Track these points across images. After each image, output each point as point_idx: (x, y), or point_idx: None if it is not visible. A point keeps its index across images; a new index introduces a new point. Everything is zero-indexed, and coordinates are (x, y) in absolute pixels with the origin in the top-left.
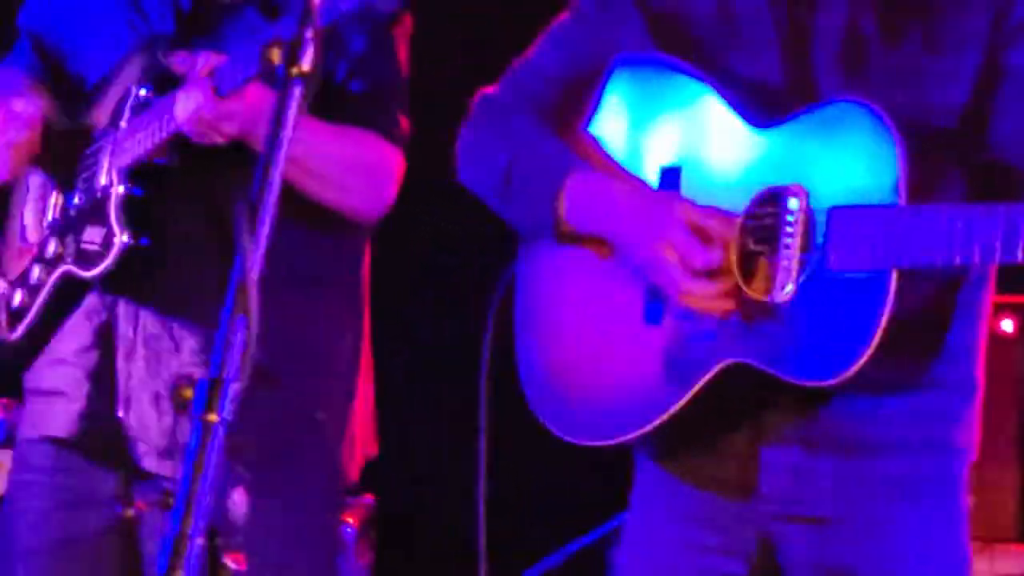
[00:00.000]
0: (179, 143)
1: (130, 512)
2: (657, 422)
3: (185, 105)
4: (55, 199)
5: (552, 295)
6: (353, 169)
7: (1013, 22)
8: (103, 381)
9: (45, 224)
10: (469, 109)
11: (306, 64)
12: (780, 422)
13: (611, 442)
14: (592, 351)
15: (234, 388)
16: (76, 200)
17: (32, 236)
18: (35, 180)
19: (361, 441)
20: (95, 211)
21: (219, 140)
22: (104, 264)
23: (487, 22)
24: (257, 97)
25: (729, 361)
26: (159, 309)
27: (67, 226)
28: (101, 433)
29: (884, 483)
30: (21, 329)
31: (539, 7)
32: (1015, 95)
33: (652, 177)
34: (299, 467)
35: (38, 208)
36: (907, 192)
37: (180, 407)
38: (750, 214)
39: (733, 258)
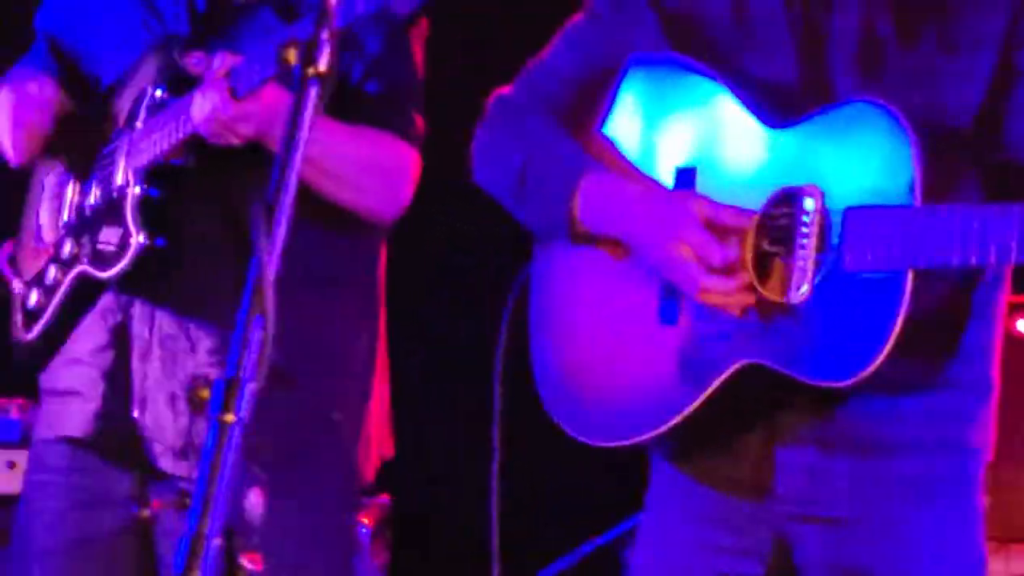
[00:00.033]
0: (195, 144)
1: (146, 512)
2: (672, 423)
3: (202, 106)
4: (70, 199)
5: (567, 295)
6: (369, 169)
7: None
8: (119, 381)
9: (61, 224)
10: (484, 110)
11: (322, 64)
12: (795, 422)
13: (626, 443)
14: (607, 351)
15: (251, 388)
16: (92, 200)
17: (48, 236)
18: (50, 180)
19: (377, 441)
20: (111, 212)
21: (235, 141)
22: (120, 265)
23: (501, 23)
24: (274, 98)
25: (744, 362)
26: (175, 309)
27: (83, 226)
28: (117, 433)
29: (899, 483)
30: (37, 329)
31: (552, 8)
32: None
33: (667, 177)
34: (315, 467)
35: (53, 208)
36: (923, 192)
37: (197, 407)
38: (765, 214)
39: (749, 254)
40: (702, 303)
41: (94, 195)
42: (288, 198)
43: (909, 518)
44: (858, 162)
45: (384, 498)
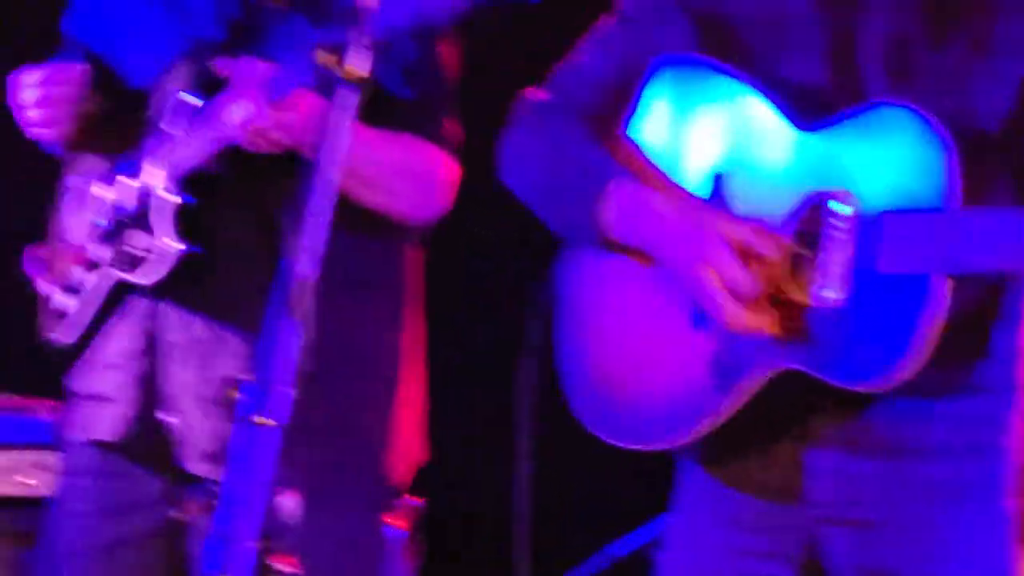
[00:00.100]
0: (230, 150)
1: (179, 515)
2: (703, 427)
3: (237, 114)
4: (100, 202)
5: (596, 299)
6: (402, 174)
7: None
8: (150, 385)
9: (90, 227)
10: (512, 113)
11: (359, 70)
12: (825, 426)
13: (656, 446)
14: (637, 355)
15: (284, 392)
16: (122, 205)
17: (76, 238)
18: (80, 183)
19: (410, 445)
20: (142, 217)
21: (271, 149)
22: (156, 272)
23: (529, 26)
24: (309, 106)
25: (776, 365)
26: (208, 314)
27: (113, 230)
28: (147, 437)
29: (929, 486)
30: (65, 331)
31: (579, 11)
32: None
33: (696, 180)
34: (347, 470)
35: (82, 211)
36: (956, 196)
37: (230, 410)
38: (797, 219)
39: (779, 272)
40: (724, 326)
41: (125, 199)
42: (324, 204)
43: (938, 521)
44: (889, 165)
45: (415, 501)
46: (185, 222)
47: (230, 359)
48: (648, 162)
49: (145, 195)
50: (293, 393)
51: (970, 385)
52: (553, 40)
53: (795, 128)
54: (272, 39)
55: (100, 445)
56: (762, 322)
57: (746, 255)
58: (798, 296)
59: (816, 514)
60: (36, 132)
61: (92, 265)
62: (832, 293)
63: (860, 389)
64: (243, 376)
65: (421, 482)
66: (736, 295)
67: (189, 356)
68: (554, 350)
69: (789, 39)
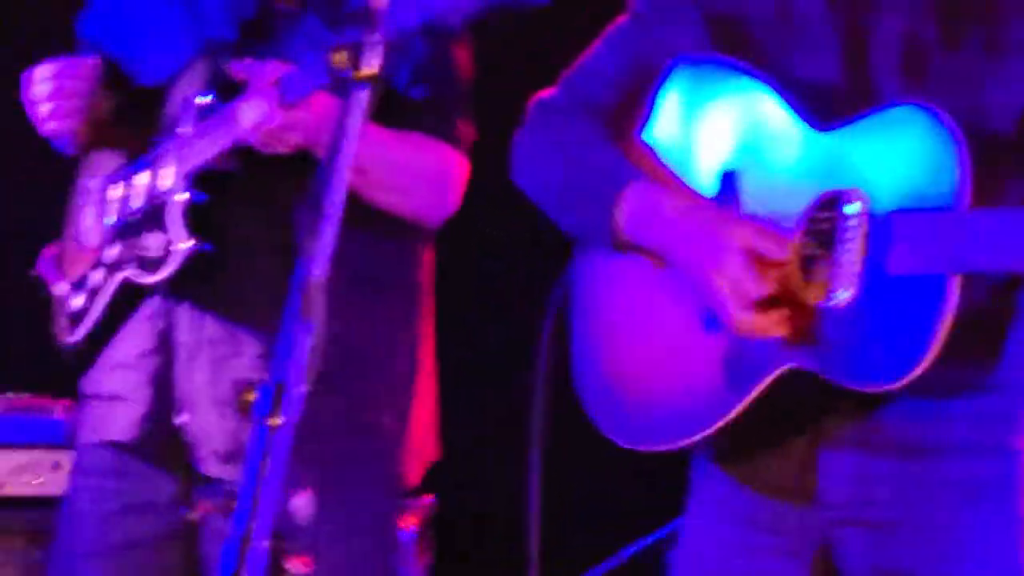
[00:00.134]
0: (242, 150)
1: (193, 515)
2: (716, 427)
3: (250, 114)
4: (114, 202)
5: (609, 300)
6: (414, 174)
7: None
8: (164, 386)
9: (104, 227)
10: (525, 113)
11: (372, 70)
12: (839, 426)
13: (669, 447)
14: (650, 356)
15: (298, 392)
16: (136, 204)
17: (91, 239)
18: (95, 183)
19: (422, 444)
20: (156, 216)
21: (284, 149)
22: (167, 270)
23: (539, 26)
24: (322, 107)
25: (788, 366)
26: (221, 314)
27: (127, 230)
28: (162, 438)
29: (944, 486)
30: (80, 332)
31: (591, 11)
32: None
33: (709, 179)
34: (359, 469)
35: (97, 211)
36: (969, 197)
37: (244, 411)
38: (809, 218)
39: (790, 272)
40: (735, 331)
41: (138, 199)
42: (336, 203)
43: (954, 521)
44: (902, 166)
45: (428, 500)
46: (198, 221)
47: (244, 359)
48: (661, 163)
49: (159, 195)
50: (306, 393)
51: (984, 384)
52: (564, 40)
53: (808, 127)
54: (285, 40)
55: (114, 445)
56: (771, 327)
57: (757, 259)
58: (810, 297)
59: (830, 514)
60: (48, 126)
61: (107, 266)
62: (844, 293)
63: (872, 391)
64: (257, 377)
65: (433, 481)
66: (745, 300)
67: (202, 356)
68: (567, 350)
69: (802, 39)
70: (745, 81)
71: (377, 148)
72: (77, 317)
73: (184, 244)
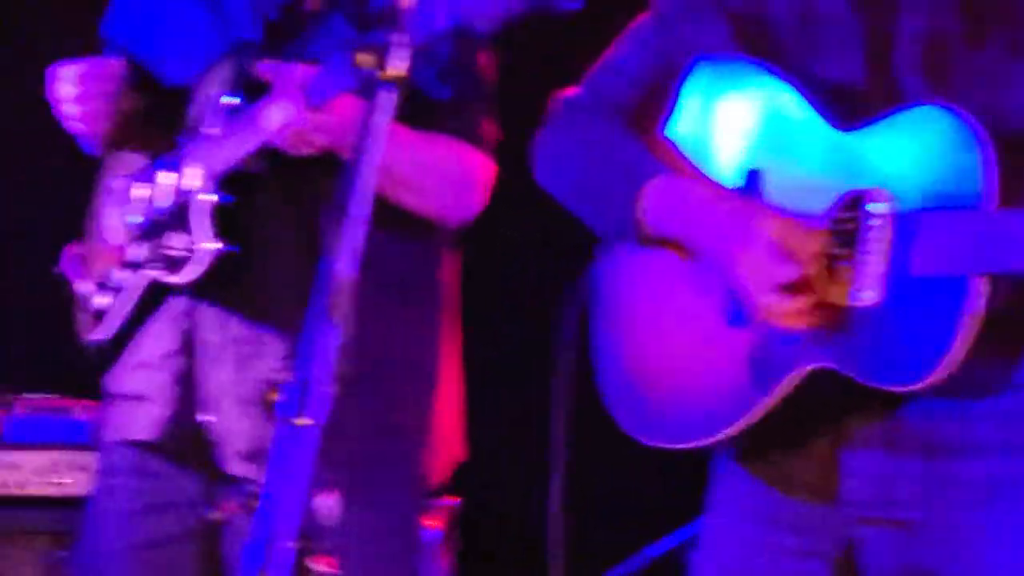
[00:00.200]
0: (268, 151)
1: (217, 515)
2: (738, 426)
3: (276, 116)
4: (137, 202)
5: (632, 296)
6: (440, 175)
7: None
8: (188, 385)
9: (128, 227)
10: (547, 112)
11: (398, 72)
12: (862, 425)
13: (691, 445)
14: (673, 353)
15: (324, 392)
16: (161, 204)
17: (114, 238)
18: (118, 182)
19: (448, 444)
20: (180, 217)
21: (309, 151)
22: (193, 271)
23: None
24: (348, 108)
25: (812, 365)
26: (246, 314)
27: (151, 230)
28: (185, 437)
29: (967, 486)
30: (103, 331)
31: (612, 11)
32: None
33: (732, 178)
34: (385, 470)
35: (120, 210)
36: (993, 197)
37: (269, 411)
38: (833, 218)
39: (815, 271)
40: (765, 319)
41: (163, 199)
42: (362, 204)
43: (976, 521)
44: (927, 166)
45: (452, 500)
46: (223, 221)
47: (268, 359)
48: (685, 158)
49: (183, 195)
50: (332, 393)
51: (1008, 383)
52: (584, 40)
53: (831, 127)
54: (311, 40)
55: (138, 445)
56: (797, 314)
57: (783, 247)
58: (835, 297)
59: (853, 513)
60: (74, 127)
61: (130, 265)
62: (868, 293)
63: (895, 391)
64: (282, 377)
65: (456, 482)
66: (771, 284)
67: (227, 356)
68: (589, 349)
69: (825, 38)
70: (767, 80)
71: (403, 149)
72: (100, 316)
73: (210, 245)
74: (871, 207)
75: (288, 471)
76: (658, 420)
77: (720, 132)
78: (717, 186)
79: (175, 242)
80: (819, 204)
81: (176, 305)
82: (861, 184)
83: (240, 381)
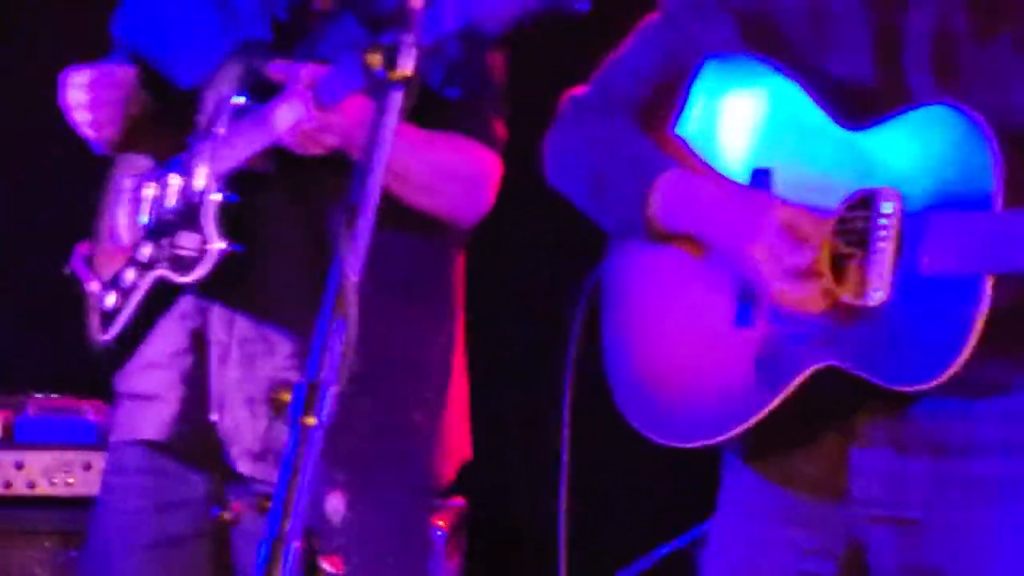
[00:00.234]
0: (277, 151)
1: (226, 515)
2: (747, 425)
3: (286, 116)
4: (148, 201)
5: (642, 295)
6: (448, 175)
7: None
8: (197, 385)
9: (138, 227)
10: (556, 111)
11: (407, 71)
12: (870, 424)
13: (701, 444)
14: (682, 352)
15: (332, 392)
16: (170, 204)
17: (125, 237)
18: (128, 181)
19: (455, 444)
20: (190, 216)
21: (319, 151)
22: (201, 270)
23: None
24: (358, 109)
25: (820, 364)
26: (254, 313)
27: (161, 230)
28: (194, 437)
29: (974, 485)
30: (113, 331)
31: (620, 10)
32: None
33: (741, 177)
34: (393, 470)
35: (131, 210)
36: (1002, 197)
37: (278, 411)
38: (842, 217)
39: (826, 256)
40: (780, 304)
41: (173, 199)
42: (371, 203)
43: (984, 521)
44: (935, 166)
45: (459, 501)
46: (231, 221)
47: (276, 358)
48: (695, 156)
49: (192, 195)
50: (340, 393)
51: (1016, 383)
52: (592, 40)
53: (839, 126)
54: (320, 40)
55: (147, 444)
56: (810, 299)
57: (795, 234)
58: (842, 294)
59: (861, 512)
60: (86, 133)
61: (140, 265)
62: (877, 293)
63: (904, 390)
64: (292, 377)
65: (462, 481)
66: (783, 268)
67: (235, 355)
68: (597, 349)
69: (834, 36)
70: (776, 79)
71: (412, 148)
72: (110, 316)
73: (217, 245)
74: (881, 206)
75: (297, 471)
76: (668, 418)
77: (728, 130)
78: (727, 181)
79: (185, 242)
80: (828, 203)
81: (185, 304)
82: (869, 183)
83: (248, 380)
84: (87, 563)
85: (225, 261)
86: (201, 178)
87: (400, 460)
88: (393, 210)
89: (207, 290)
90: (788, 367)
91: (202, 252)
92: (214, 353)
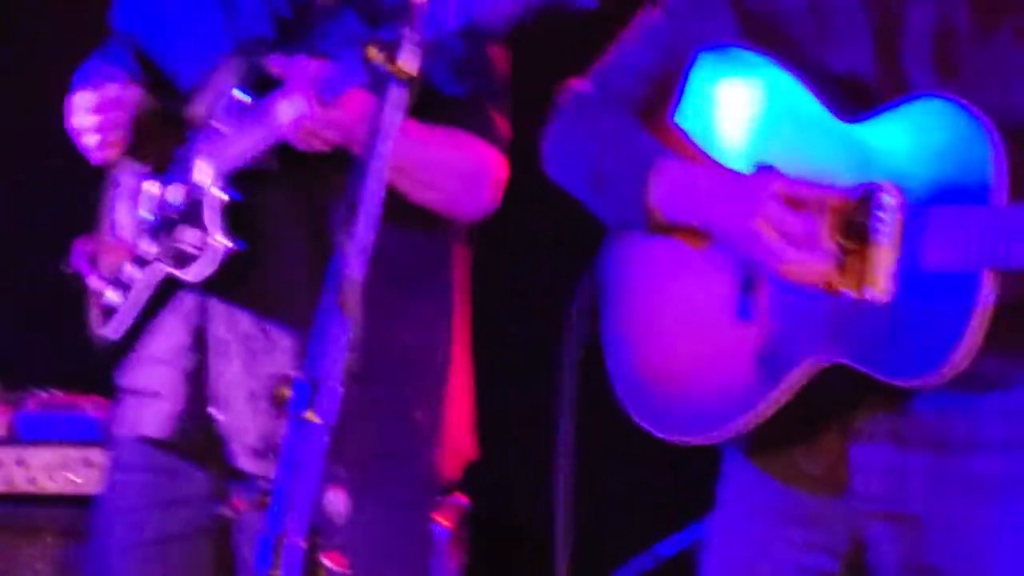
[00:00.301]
0: (279, 147)
1: (227, 511)
2: (748, 420)
3: (288, 112)
4: (149, 197)
5: (642, 290)
6: (450, 171)
7: None
8: (198, 381)
9: (139, 222)
10: (555, 105)
11: (410, 67)
12: (871, 419)
13: (703, 439)
14: (683, 347)
15: (334, 388)
16: (172, 200)
17: (125, 233)
18: (129, 178)
19: (460, 442)
20: (191, 213)
21: (322, 147)
22: (204, 268)
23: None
24: (361, 104)
25: (821, 359)
26: (255, 310)
27: (162, 226)
28: (196, 433)
29: (974, 481)
30: (114, 326)
31: (619, 8)
32: None
33: (739, 169)
34: (395, 467)
35: (131, 206)
36: (1002, 191)
37: (279, 406)
38: (844, 206)
39: (831, 222)
40: (786, 277)
41: (174, 195)
42: (373, 200)
43: (984, 517)
44: (935, 160)
45: (461, 498)
46: (235, 219)
47: (278, 355)
48: (694, 146)
49: (195, 191)
50: (342, 390)
51: (1017, 379)
52: (594, 36)
53: (838, 119)
54: (322, 36)
55: (149, 441)
56: (817, 267)
57: (795, 200)
58: (843, 288)
59: (862, 508)
60: (95, 156)
61: (141, 261)
62: (880, 288)
63: (904, 385)
64: (293, 373)
65: (464, 480)
66: (791, 240)
67: (237, 352)
68: (597, 344)
69: (834, 30)
70: (775, 72)
71: (415, 144)
72: (111, 311)
73: (221, 243)
74: (882, 200)
75: (298, 468)
76: (668, 413)
77: (727, 123)
78: (726, 169)
79: (187, 238)
80: None
81: (187, 301)
82: (868, 176)
83: (250, 377)
84: (89, 560)
85: (229, 258)
86: (203, 174)
87: (403, 457)
88: (395, 206)
89: (210, 286)
90: (788, 362)
91: (204, 249)
92: (215, 349)
